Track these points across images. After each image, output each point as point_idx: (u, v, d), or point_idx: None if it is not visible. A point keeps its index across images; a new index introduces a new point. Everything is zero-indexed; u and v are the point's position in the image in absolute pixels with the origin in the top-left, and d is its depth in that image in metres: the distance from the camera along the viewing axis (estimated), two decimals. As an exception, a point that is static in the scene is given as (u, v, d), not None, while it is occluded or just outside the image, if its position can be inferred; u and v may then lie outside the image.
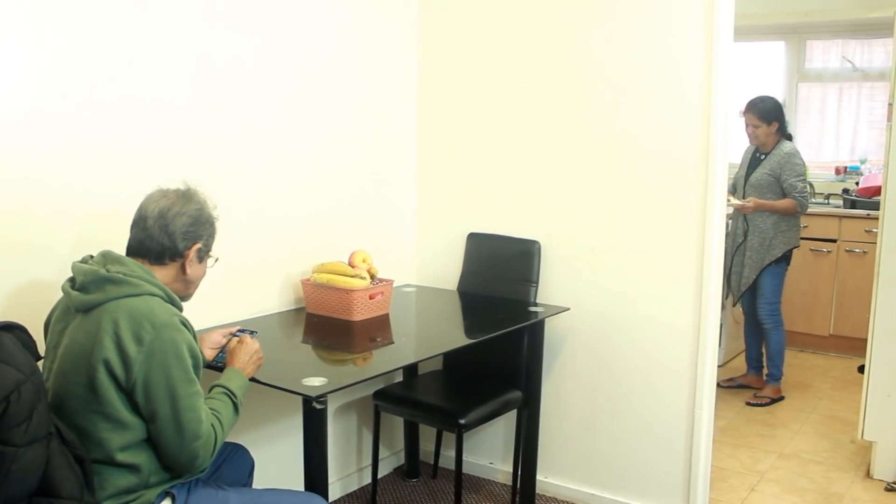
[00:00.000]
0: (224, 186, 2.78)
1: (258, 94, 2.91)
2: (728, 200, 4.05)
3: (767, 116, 4.45)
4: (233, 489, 2.13)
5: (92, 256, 2.05)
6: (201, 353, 2.25)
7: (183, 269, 2.09)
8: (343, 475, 3.46)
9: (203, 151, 2.73)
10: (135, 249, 2.06)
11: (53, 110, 2.29)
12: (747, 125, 4.53)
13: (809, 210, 5.54)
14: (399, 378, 3.46)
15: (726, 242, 3.94)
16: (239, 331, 2.37)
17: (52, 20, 2.26)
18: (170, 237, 2.04)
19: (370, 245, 3.27)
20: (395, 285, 3.21)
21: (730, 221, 4.54)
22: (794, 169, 4.40)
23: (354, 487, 3.50)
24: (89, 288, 1.95)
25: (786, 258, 4.52)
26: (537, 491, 3.35)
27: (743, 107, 4.55)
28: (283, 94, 3.00)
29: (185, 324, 1.99)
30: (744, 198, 4.52)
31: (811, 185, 5.99)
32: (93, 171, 2.41)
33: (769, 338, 4.60)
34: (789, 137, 4.56)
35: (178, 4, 2.59)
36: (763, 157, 4.53)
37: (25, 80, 2.23)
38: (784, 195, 4.44)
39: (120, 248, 2.09)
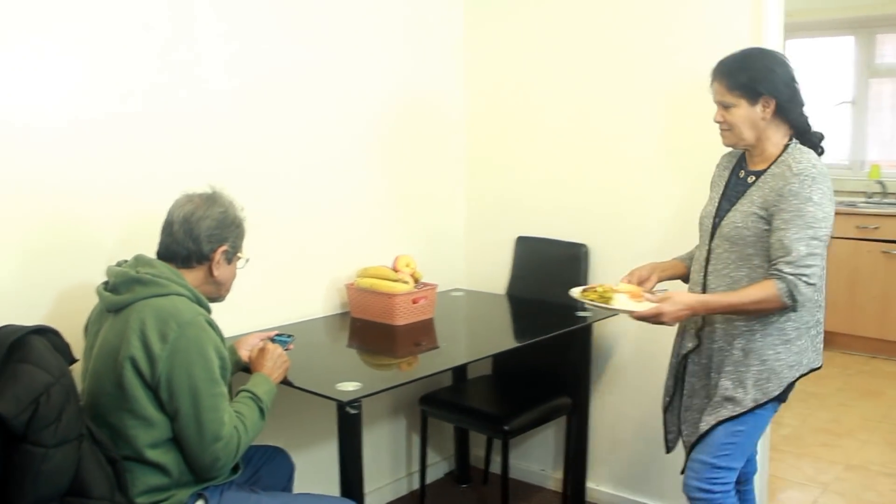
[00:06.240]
0: (269, 190, 2.83)
1: (302, 96, 2.93)
2: None
3: None
4: (266, 493, 2.15)
5: (126, 261, 2.10)
6: (237, 355, 2.27)
7: (210, 271, 2.12)
8: (393, 479, 3.46)
9: (247, 155, 2.77)
10: (163, 254, 2.11)
11: (97, 116, 2.37)
12: None
13: (882, 211, 5.33)
14: (448, 382, 3.45)
15: None
16: (276, 335, 2.39)
17: (95, 32, 2.34)
18: (195, 241, 2.08)
19: (418, 249, 3.26)
20: (443, 289, 3.20)
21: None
22: None
23: (404, 492, 3.49)
24: (119, 289, 2.00)
25: None
26: (587, 499, 3.29)
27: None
28: (329, 96, 3.02)
29: (211, 324, 2.02)
30: None
31: (882, 185, 5.73)
32: (138, 174, 2.47)
33: None
34: None
35: (220, 12, 2.63)
36: None
37: (71, 87, 2.30)
38: None
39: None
